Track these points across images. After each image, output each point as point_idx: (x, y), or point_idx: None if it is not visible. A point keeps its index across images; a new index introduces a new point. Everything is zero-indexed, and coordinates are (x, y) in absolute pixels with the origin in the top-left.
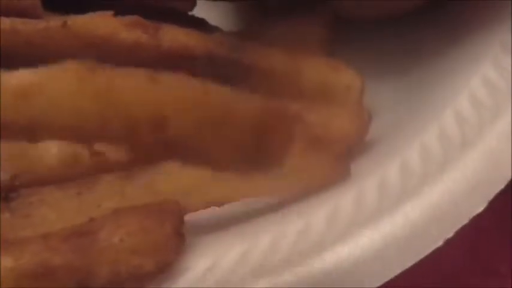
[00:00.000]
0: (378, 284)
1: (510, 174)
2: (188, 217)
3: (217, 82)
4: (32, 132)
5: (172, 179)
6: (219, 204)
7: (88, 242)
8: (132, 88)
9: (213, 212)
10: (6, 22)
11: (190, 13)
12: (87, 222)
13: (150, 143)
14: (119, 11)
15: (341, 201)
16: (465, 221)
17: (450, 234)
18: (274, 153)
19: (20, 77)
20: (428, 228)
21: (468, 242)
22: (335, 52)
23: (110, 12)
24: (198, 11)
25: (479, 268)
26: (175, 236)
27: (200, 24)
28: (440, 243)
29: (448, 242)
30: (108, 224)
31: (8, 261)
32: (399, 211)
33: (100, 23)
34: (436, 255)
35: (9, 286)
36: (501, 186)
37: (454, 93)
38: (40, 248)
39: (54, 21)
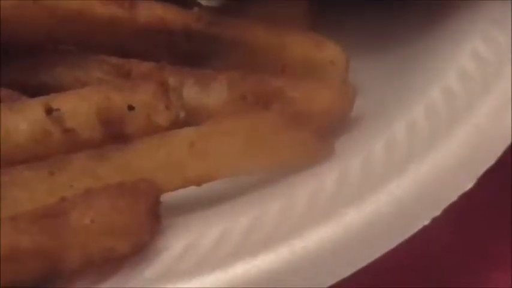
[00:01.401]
0: (363, 265)
1: (500, 150)
2: (165, 197)
3: (197, 59)
4: None
5: (148, 156)
6: (198, 183)
7: (58, 224)
8: None
9: (191, 191)
10: None
11: None
12: (57, 202)
13: None
14: None
15: (324, 180)
16: (453, 198)
17: (438, 213)
18: None
19: None
20: (414, 206)
21: (456, 220)
22: (319, 28)
23: None
24: None
25: (469, 247)
26: (151, 217)
27: None
28: (427, 221)
29: (436, 221)
30: (79, 205)
31: None
32: (384, 189)
33: None
34: (424, 235)
35: None
36: (490, 162)
37: (442, 69)
38: (8, 230)
39: None
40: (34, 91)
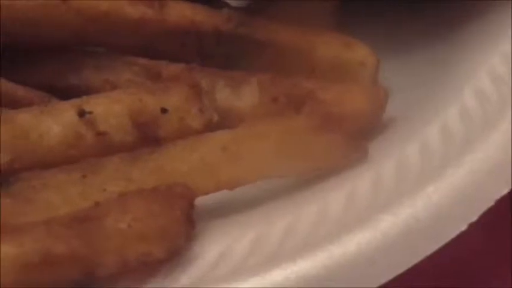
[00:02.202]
0: (401, 271)
1: None
2: (198, 201)
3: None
4: None
5: (181, 159)
6: (231, 186)
7: (93, 228)
8: None
9: (224, 195)
10: None
11: None
12: (91, 207)
13: None
14: None
15: (359, 184)
16: (490, 203)
17: (475, 218)
18: None
19: None
20: (452, 211)
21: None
22: (348, 29)
23: None
24: None
25: (500, 252)
26: (186, 221)
27: (207, 0)
28: (464, 226)
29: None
30: (114, 209)
31: (9, 249)
32: (421, 193)
33: None
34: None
35: (11, 276)
36: None
37: (474, 71)
38: (42, 235)
39: None
40: (63, 93)
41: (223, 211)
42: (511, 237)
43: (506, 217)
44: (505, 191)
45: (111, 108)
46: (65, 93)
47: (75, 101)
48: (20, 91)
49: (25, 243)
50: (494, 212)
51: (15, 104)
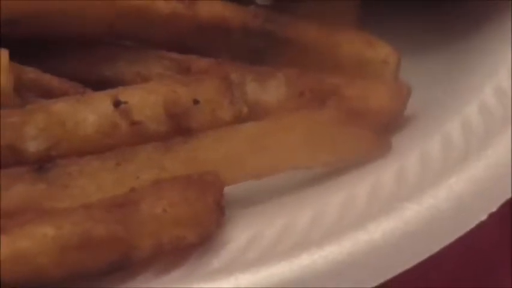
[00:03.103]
0: (423, 258)
1: None
2: (228, 189)
3: (252, 56)
4: None
5: (212, 149)
6: (258, 176)
7: (130, 213)
8: None
9: (252, 184)
10: None
11: None
12: (127, 192)
13: None
14: None
15: (383, 175)
16: (509, 195)
17: (494, 208)
18: None
19: None
20: (472, 202)
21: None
22: (372, 28)
23: None
24: None
25: None
26: (216, 208)
27: None
28: (484, 217)
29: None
30: (149, 195)
31: (49, 230)
32: (443, 185)
33: None
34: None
35: (51, 256)
36: None
37: (493, 68)
38: (82, 218)
39: None
40: (95, 85)
41: (252, 200)
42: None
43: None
44: None
45: (146, 98)
46: (98, 85)
47: (111, 91)
48: (55, 82)
49: (64, 225)
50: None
51: (51, 95)
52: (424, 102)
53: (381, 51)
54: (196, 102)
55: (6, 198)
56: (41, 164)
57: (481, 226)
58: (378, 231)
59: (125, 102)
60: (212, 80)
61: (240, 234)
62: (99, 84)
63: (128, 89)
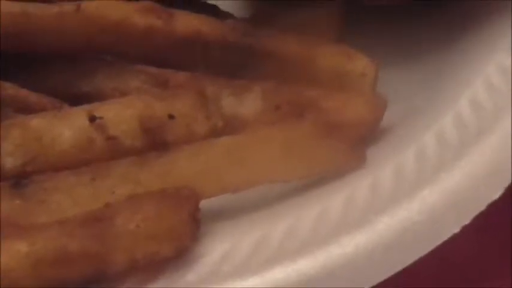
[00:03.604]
0: (397, 270)
1: None
2: (203, 203)
3: (230, 69)
4: None
5: (187, 164)
6: (235, 190)
7: (104, 228)
8: None
9: (228, 198)
10: (16, 6)
11: (202, 0)
12: (102, 207)
13: None
14: None
15: (357, 187)
16: (482, 207)
17: (467, 221)
18: None
19: None
20: (446, 214)
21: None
22: (350, 40)
23: None
24: None
25: (492, 254)
26: (192, 222)
27: (212, 11)
28: (457, 229)
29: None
30: (124, 210)
31: (22, 246)
32: (416, 197)
33: (113, 8)
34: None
35: (24, 272)
36: None
37: (469, 81)
38: (56, 234)
39: (67, 6)
40: (74, 99)
41: (227, 213)
42: (511, 237)
43: (507, 217)
44: (496, 195)
45: (121, 113)
46: (76, 100)
47: (87, 107)
48: (32, 97)
49: (38, 241)
50: (494, 213)
51: (28, 110)
52: (399, 113)
53: (358, 63)
54: (171, 117)
55: None
56: (17, 180)
57: (454, 238)
58: (351, 244)
59: (100, 118)
60: (188, 95)
61: (216, 248)
62: (78, 99)
63: (104, 104)
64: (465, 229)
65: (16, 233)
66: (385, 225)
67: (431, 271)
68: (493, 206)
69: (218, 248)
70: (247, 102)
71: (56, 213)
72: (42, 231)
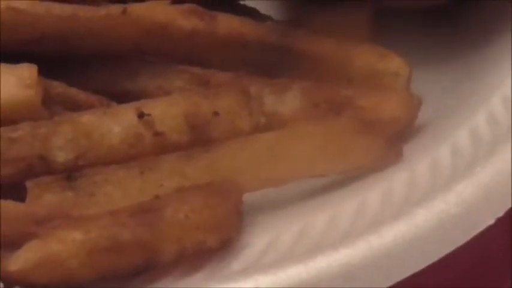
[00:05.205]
0: (433, 260)
1: None
2: (246, 196)
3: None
4: None
5: (231, 158)
6: (276, 184)
7: (155, 218)
8: None
9: (270, 192)
10: (67, 9)
11: (242, 2)
12: (152, 199)
13: None
14: (176, 0)
15: (395, 181)
16: None
17: (501, 213)
18: None
19: None
20: (480, 207)
21: None
22: (383, 41)
23: (167, 0)
24: (248, 1)
25: None
26: (236, 214)
27: (252, 13)
28: (492, 221)
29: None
30: (173, 201)
31: (77, 235)
32: (452, 190)
33: (158, 11)
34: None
35: (80, 260)
36: None
37: (500, 79)
38: (109, 223)
39: (114, 8)
40: (119, 98)
41: (270, 206)
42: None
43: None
44: None
45: (168, 110)
46: (122, 99)
47: (135, 104)
48: (81, 95)
49: (92, 230)
50: None
51: (78, 108)
52: (434, 111)
53: (392, 63)
54: (216, 114)
55: (37, 206)
56: (69, 173)
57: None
58: (389, 235)
59: (148, 114)
60: (231, 93)
61: (259, 239)
62: (124, 98)
63: (150, 101)
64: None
65: (69, 223)
66: (422, 217)
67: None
68: None
69: (261, 239)
70: (287, 100)
71: (106, 205)
72: (95, 221)
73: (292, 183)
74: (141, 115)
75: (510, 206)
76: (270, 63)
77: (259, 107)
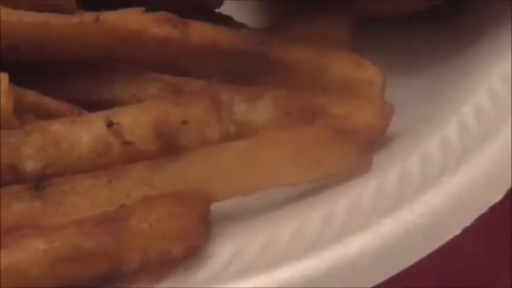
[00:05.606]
0: (399, 270)
1: None
2: (214, 206)
3: (244, 77)
4: None
5: (200, 167)
6: (245, 193)
7: (120, 227)
8: None
9: (238, 200)
10: (39, 17)
11: (217, 11)
12: (118, 208)
13: None
14: (149, 8)
15: (363, 191)
16: (483, 210)
17: (468, 223)
18: None
19: None
20: (447, 217)
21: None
22: (359, 49)
23: (140, 9)
24: (225, 9)
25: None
26: (203, 223)
27: (227, 21)
28: (458, 231)
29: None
30: (139, 211)
31: (41, 244)
32: (419, 200)
33: (131, 19)
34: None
35: (42, 269)
36: None
37: (473, 89)
38: (73, 232)
39: (87, 16)
40: (93, 106)
41: (237, 215)
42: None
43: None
44: (497, 199)
45: (137, 119)
46: (95, 107)
47: (104, 113)
48: (53, 104)
49: (56, 239)
50: (495, 215)
51: (49, 116)
52: (406, 120)
53: (367, 71)
54: (185, 122)
55: (6, 215)
56: (38, 182)
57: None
58: (355, 245)
59: (117, 123)
60: (201, 101)
61: (225, 248)
62: (97, 106)
63: (120, 110)
64: (466, 231)
65: (35, 232)
66: (388, 227)
67: (432, 271)
68: (493, 208)
69: (228, 248)
70: (259, 109)
71: (74, 214)
72: (59, 230)
73: (261, 193)
74: (110, 124)
75: (479, 215)
76: (245, 71)
77: (229, 116)
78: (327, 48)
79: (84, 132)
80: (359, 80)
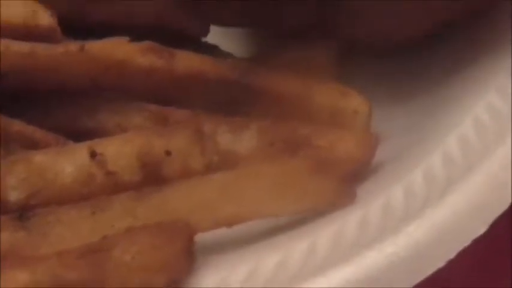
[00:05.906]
0: None
1: (510, 198)
2: (198, 237)
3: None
4: None
5: (183, 198)
6: (229, 224)
7: (101, 259)
8: None
9: (222, 232)
10: (26, 46)
11: (203, 39)
12: (101, 239)
13: None
14: (135, 37)
15: (346, 223)
16: (467, 242)
17: (452, 255)
18: None
19: None
20: (431, 249)
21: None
22: (344, 79)
23: (125, 38)
24: (211, 38)
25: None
26: (186, 254)
27: (213, 50)
28: (442, 263)
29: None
30: (121, 242)
31: (22, 275)
32: (402, 232)
33: (116, 48)
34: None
35: None
36: (502, 209)
37: (458, 119)
38: (56, 264)
39: (72, 46)
40: (78, 135)
41: (221, 247)
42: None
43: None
44: (481, 231)
45: (121, 149)
46: (80, 136)
47: (88, 143)
48: (38, 134)
49: (37, 271)
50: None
51: (34, 146)
52: (391, 150)
53: (352, 101)
54: (168, 153)
55: None
56: (22, 213)
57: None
58: (337, 278)
59: (101, 154)
60: (184, 131)
61: (208, 279)
62: (82, 135)
63: (104, 140)
64: None
65: (17, 264)
66: (372, 260)
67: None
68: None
69: (210, 279)
70: (243, 139)
71: (58, 245)
72: (42, 261)
73: (244, 224)
74: (93, 154)
75: (463, 247)
76: (231, 100)
77: (213, 146)
78: (312, 77)
79: (67, 163)
80: (344, 109)
